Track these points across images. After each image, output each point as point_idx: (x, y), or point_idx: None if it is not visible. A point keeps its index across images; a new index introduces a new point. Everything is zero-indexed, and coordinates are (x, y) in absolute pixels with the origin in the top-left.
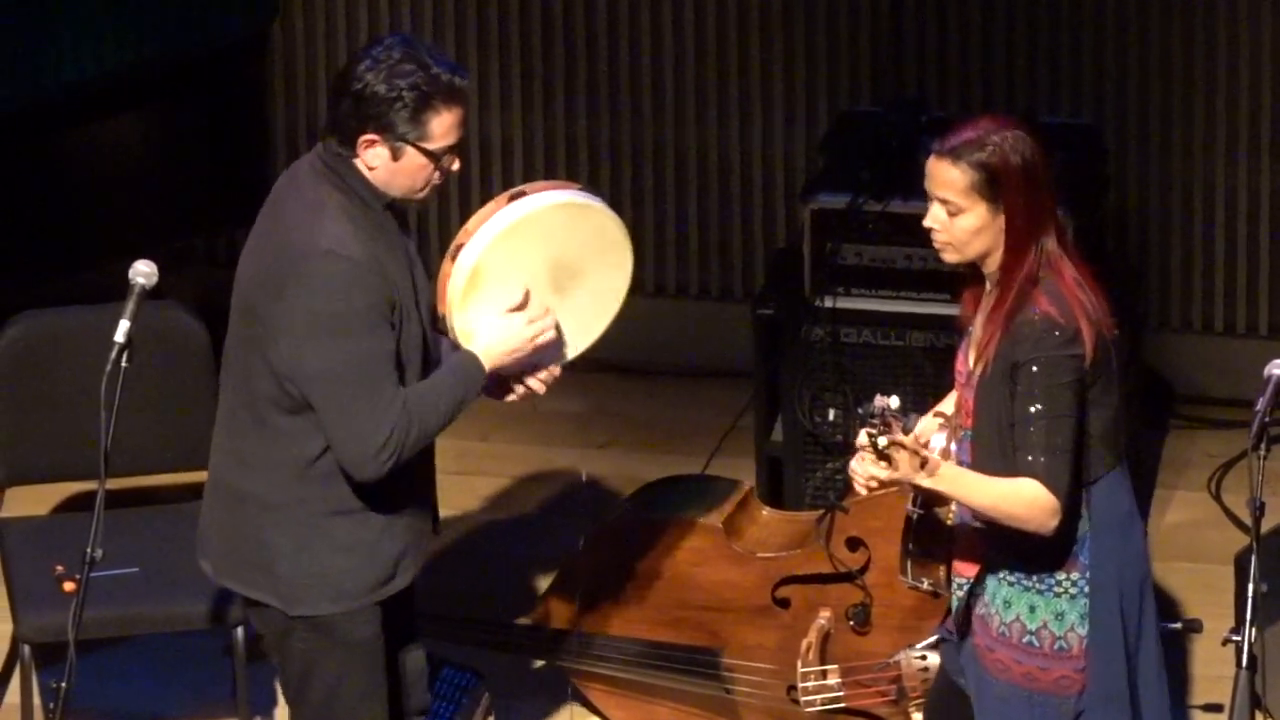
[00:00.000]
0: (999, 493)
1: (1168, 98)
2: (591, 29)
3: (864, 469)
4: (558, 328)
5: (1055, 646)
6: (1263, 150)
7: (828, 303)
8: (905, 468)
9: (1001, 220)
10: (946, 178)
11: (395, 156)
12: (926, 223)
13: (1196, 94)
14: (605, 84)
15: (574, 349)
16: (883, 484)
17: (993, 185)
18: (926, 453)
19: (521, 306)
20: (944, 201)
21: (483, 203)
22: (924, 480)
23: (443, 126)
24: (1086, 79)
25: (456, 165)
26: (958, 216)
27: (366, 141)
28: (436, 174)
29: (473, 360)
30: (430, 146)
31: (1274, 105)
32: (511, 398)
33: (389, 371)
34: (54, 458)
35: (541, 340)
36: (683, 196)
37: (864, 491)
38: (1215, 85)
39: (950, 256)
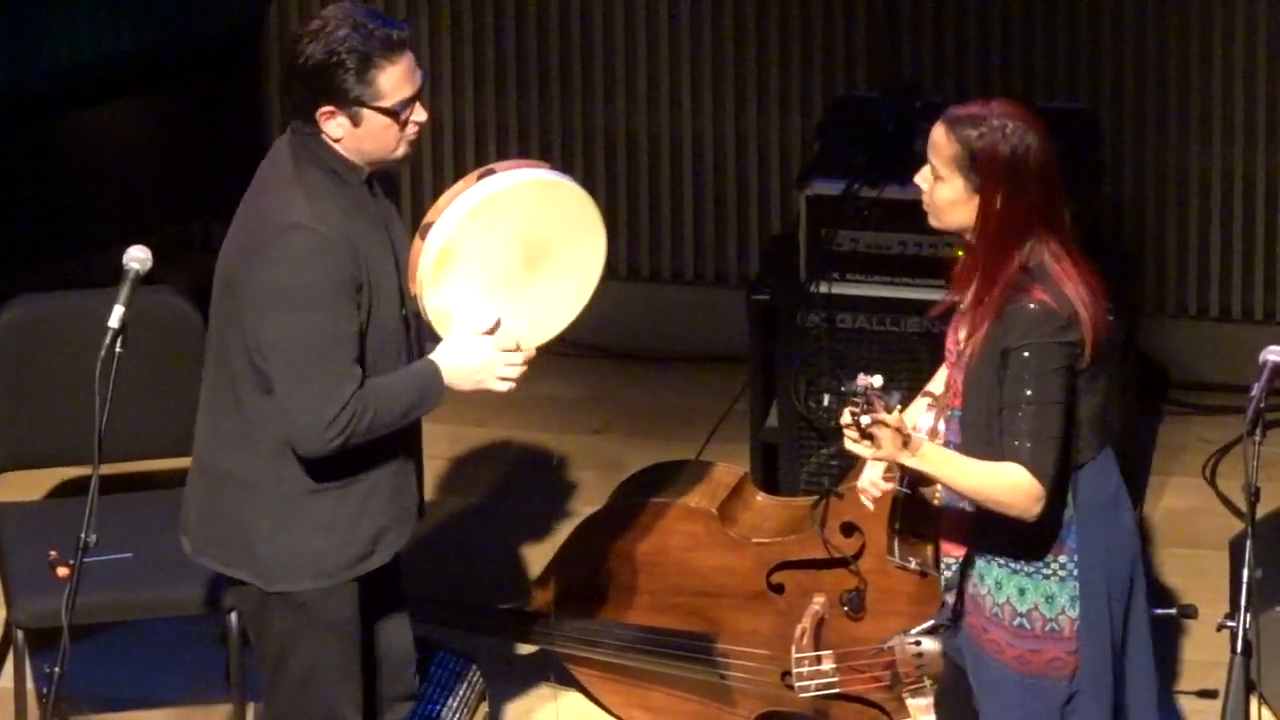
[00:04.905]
0: (983, 476)
1: (1164, 83)
2: (586, 12)
3: (875, 489)
4: (533, 308)
5: (1047, 629)
6: (1258, 135)
7: (823, 288)
8: (888, 446)
9: (977, 202)
10: (937, 142)
11: (355, 122)
12: (916, 179)
13: (1192, 79)
14: (600, 68)
15: (551, 328)
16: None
17: (973, 165)
18: (910, 431)
19: (493, 330)
20: (932, 165)
21: None
22: (907, 459)
23: (391, 81)
24: (1083, 64)
25: (423, 115)
26: (938, 184)
27: (325, 114)
28: (406, 129)
29: (434, 371)
30: (385, 104)
31: (1269, 90)
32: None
33: (348, 351)
34: (48, 443)
35: (505, 375)
36: (678, 182)
37: (872, 506)
38: (1211, 70)
39: (931, 221)
